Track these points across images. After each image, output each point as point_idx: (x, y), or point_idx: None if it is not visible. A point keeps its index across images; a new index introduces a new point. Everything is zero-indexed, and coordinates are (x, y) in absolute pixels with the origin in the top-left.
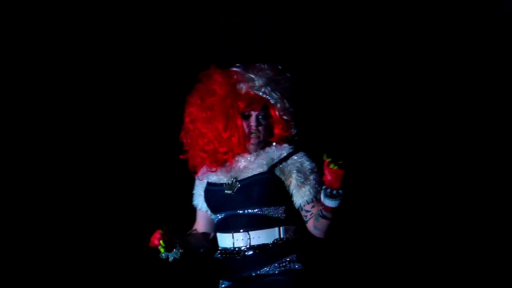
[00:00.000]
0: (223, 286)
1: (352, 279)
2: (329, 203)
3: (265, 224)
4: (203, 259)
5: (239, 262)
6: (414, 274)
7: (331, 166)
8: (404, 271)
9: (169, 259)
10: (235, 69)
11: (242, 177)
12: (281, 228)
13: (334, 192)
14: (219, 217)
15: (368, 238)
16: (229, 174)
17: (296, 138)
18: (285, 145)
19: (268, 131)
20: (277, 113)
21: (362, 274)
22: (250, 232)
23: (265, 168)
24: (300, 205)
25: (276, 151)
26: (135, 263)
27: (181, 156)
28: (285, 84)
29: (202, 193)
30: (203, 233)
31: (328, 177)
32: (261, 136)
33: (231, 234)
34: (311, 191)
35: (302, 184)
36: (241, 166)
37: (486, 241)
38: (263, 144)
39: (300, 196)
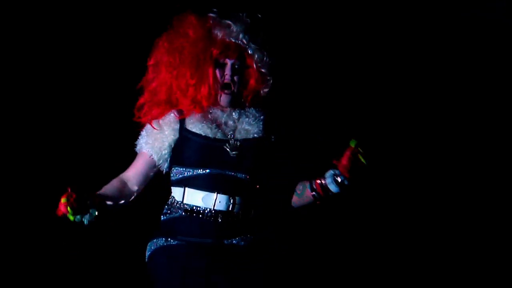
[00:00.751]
0: (165, 243)
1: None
2: (333, 188)
3: (252, 193)
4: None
5: (212, 226)
6: (413, 273)
7: (359, 156)
8: (398, 271)
9: (84, 223)
10: (211, 14)
11: (240, 137)
12: (265, 200)
13: (344, 180)
14: (199, 172)
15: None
16: (221, 130)
17: (270, 98)
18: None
19: (243, 85)
20: (254, 64)
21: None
22: (236, 197)
23: (262, 133)
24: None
25: (258, 114)
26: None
27: (135, 110)
28: (264, 36)
29: (165, 140)
30: (126, 182)
31: (346, 163)
32: (235, 88)
33: (215, 194)
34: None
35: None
36: (237, 125)
37: (486, 241)
38: (235, 100)
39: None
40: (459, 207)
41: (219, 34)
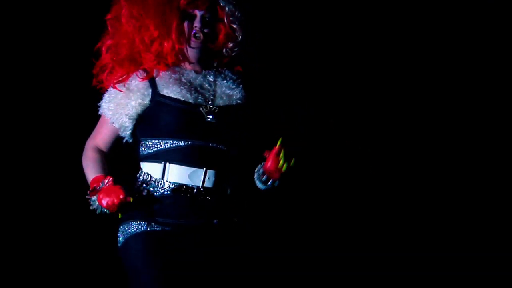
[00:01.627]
0: (147, 228)
1: None
2: (259, 185)
3: (231, 166)
4: None
5: (201, 205)
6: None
7: (281, 159)
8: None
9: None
10: None
11: (223, 103)
12: (246, 175)
13: (269, 181)
14: (180, 144)
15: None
16: (197, 94)
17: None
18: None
19: (212, 41)
20: (225, 18)
21: None
22: (222, 172)
23: (242, 99)
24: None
25: (234, 76)
26: None
27: (94, 74)
28: None
29: (130, 108)
30: (104, 154)
31: (270, 166)
32: (204, 42)
33: (203, 169)
34: None
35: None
36: (217, 88)
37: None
38: (204, 57)
39: None
40: (458, 207)
41: None
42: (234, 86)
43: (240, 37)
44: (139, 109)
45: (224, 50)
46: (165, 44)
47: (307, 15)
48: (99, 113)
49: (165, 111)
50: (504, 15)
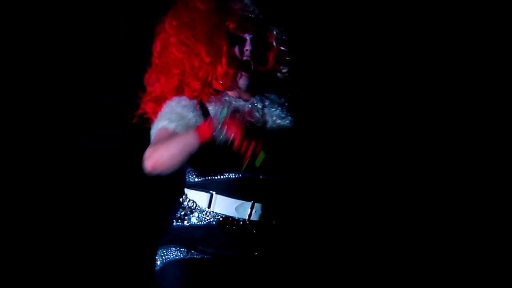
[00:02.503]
0: (187, 256)
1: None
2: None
3: (283, 198)
4: None
5: (246, 238)
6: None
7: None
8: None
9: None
10: None
11: (267, 132)
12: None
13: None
14: (230, 177)
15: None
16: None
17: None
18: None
19: (261, 64)
20: (273, 40)
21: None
22: (270, 205)
23: (290, 123)
24: None
25: (278, 100)
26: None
27: (140, 102)
28: (281, 11)
29: (190, 121)
30: None
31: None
32: (255, 67)
33: (250, 203)
34: None
35: None
36: (266, 118)
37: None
38: (254, 83)
39: None
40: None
41: (233, 6)
42: (283, 115)
43: (290, 61)
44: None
45: (277, 73)
46: (217, 69)
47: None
48: (156, 129)
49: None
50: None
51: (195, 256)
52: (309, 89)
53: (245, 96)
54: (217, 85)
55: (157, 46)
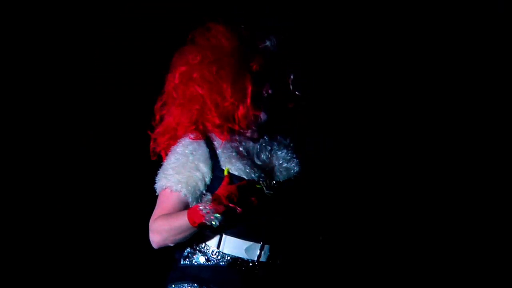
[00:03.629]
0: None
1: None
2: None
3: (290, 239)
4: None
5: (254, 279)
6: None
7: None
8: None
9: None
10: (242, 26)
11: (282, 178)
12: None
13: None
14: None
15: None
16: (259, 171)
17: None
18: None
19: (279, 105)
20: (290, 84)
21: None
22: (277, 246)
23: (298, 168)
24: None
25: (285, 141)
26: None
27: (151, 133)
28: (298, 53)
29: (200, 178)
30: None
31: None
32: (274, 108)
33: (259, 244)
34: None
35: None
36: (273, 161)
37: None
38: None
39: None
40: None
41: (257, 46)
42: (289, 157)
43: (304, 104)
44: (207, 181)
45: (287, 115)
46: (241, 109)
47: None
48: (160, 187)
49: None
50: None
51: None
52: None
53: (255, 135)
54: (234, 125)
55: (175, 78)
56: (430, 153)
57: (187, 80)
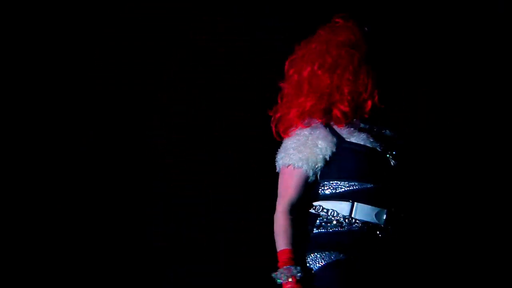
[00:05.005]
0: (334, 258)
1: None
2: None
3: (408, 206)
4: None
5: (383, 241)
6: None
7: None
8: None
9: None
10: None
11: (391, 149)
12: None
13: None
14: (368, 186)
15: None
16: (372, 141)
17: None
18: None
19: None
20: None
21: None
22: (400, 211)
23: (404, 145)
24: None
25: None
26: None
27: (271, 112)
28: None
29: (320, 154)
30: (292, 220)
31: None
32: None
33: (386, 210)
34: None
35: None
36: (380, 137)
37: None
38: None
39: None
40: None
41: (375, 43)
42: (391, 135)
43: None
44: (326, 156)
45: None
46: (369, 102)
47: None
48: (285, 165)
49: (353, 158)
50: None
51: (342, 258)
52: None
53: (358, 124)
54: (359, 115)
55: (310, 68)
56: None
57: (324, 71)
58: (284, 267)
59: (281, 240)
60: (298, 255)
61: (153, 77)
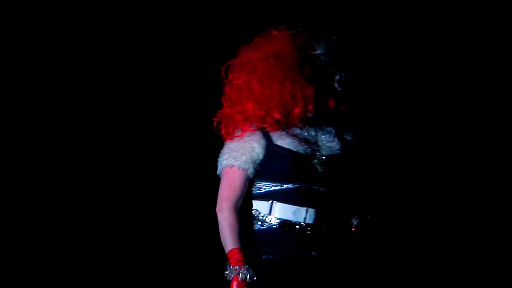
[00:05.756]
0: (264, 257)
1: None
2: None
3: (334, 207)
4: None
5: (302, 239)
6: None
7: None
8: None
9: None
10: (295, 31)
11: (325, 154)
12: (356, 215)
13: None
14: (288, 187)
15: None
16: (305, 146)
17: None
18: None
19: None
20: (334, 83)
21: None
22: (321, 211)
23: (339, 147)
24: None
25: (328, 127)
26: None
27: (216, 122)
28: (345, 52)
29: (255, 155)
30: (238, 217)
31: None
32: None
33: (305, 208)
34: None
35: None
36: (319, 141)
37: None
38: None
39: None
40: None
41: (307, 52)
42: (331, 139)
43: (343, 100)
44: (261, 156)
45: (330, 110)
46: (296, 110)
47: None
48: (222, 168)
49: (277, 160)
50: None
51: (265, 256)
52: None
53: (301, 124)
54: (290, 121)
55: (245, 77)
56: None
57: (256, 80)
58: (236, 266)
59: (230, 239)
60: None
61: (153, 76)
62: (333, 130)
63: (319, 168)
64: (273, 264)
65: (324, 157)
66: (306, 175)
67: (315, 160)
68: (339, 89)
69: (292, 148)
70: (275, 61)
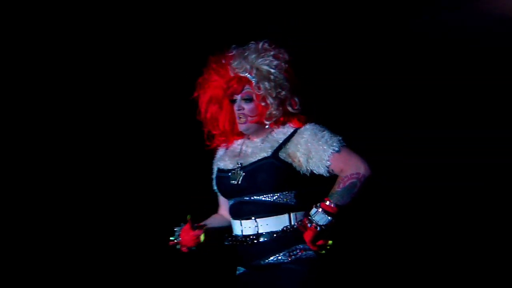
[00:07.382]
0: (237, 272)
1: (363, 269)
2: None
3: (273, 211)
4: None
5: (248, 249)
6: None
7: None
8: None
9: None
10: (230, 52)
11: (246, 163)
12: (291, 214)
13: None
14: (230, 203)
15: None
16: (235, 160)
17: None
18: (288, 126)
19: (258, 113)
20: (259, 92)
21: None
22: (257, 219)
23: (269, 153)
24: (327, 169)
25: (278, 134)
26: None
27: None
28: (272, 61)
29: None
30: (223, 216)
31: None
32: (247, 119)
33: (239, 221)
34: (325, 147)
35: (313, 150)
36: (248, 152)
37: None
38: (257, 126)
39: (318, 161)
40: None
41: (230, 70)
42: (263, 145)
43: (275, 107)
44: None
45: (267, 116)
46: (225, 126)
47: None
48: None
49: (217, 181)
50: None
51: (237, 272)
52: None
53: (252, 138)
54: (229, 136)
55: (204, 101)
56: None
57: (206, 104)
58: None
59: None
60: None
61: (152, 77)
62: (263, 142)
63: (231, 182)
64: (238, 278)
65: (239, 170)
66: (230, 189)
67: (230, 174)
68: (268, 101)
69: (224, 168)
70: (204, 87)
